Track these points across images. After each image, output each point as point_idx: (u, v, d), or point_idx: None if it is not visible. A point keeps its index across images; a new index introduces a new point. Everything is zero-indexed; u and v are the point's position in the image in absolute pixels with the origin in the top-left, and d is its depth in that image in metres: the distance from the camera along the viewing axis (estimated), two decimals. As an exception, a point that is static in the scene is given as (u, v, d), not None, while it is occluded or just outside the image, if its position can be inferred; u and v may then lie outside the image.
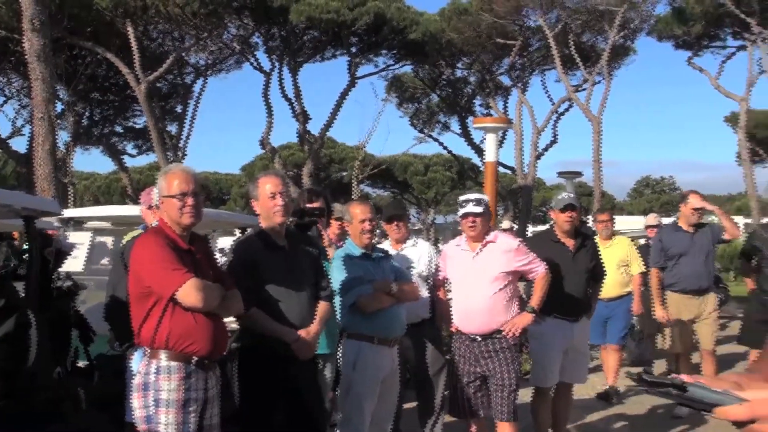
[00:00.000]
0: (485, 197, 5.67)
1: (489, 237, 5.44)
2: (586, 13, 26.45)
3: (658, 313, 7.68)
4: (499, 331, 5.36)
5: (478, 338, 5.39)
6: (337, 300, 4.98)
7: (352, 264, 5.06)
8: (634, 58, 29.89)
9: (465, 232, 5.48)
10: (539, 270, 5.50)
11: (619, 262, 8.16)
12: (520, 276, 5.59)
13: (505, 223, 14.96)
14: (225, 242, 9.58)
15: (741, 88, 25.68)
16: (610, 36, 25.42)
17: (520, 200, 28.67)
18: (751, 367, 1.65)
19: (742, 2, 23.82)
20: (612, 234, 8.37)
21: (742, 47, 26.45)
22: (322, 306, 4.41)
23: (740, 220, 26.56)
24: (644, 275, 8.28)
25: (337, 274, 5.01)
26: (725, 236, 7.45)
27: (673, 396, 1.39)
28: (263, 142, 25.95)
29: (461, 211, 5.41)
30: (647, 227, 9.75)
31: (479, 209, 5.37)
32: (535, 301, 5.51)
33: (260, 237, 4.36)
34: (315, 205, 5.30)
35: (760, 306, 7.38)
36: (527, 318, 5.46)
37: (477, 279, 5.38)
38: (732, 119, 32.20)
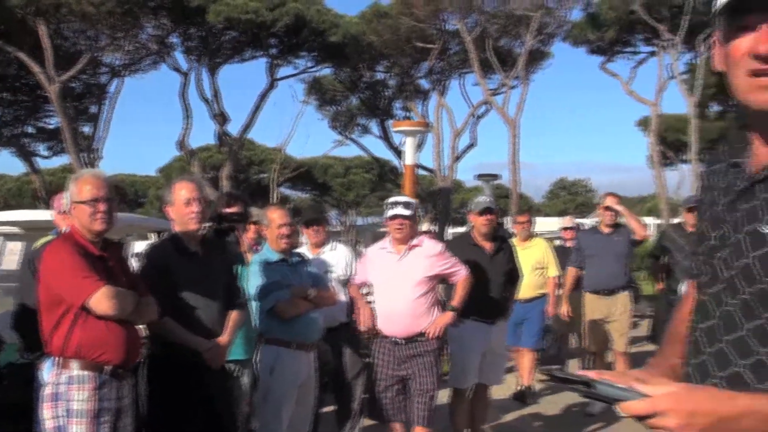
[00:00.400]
0: (414, 201, 5.72)
1: (414, 241, 5.48)
2: (504, 18, 26.87)
3: (562, 310, 7.92)
4: (422, 335, 5.40)
5: (402, 341, 5.41)
6: (255, 305, 4.95)
7: (270, 269, 5.03)
8: (551, 62, 30.53)
9: (392, 234, 5.49)
10: (462, 273, 5.57)
11: (536, 263, 8.26)
12: (441, 279, 5.66)
13: (424, 225, 15.06)
14: (140, 247, 9.38)
15: (652, 92, 26.46)
16: (527, 40, 25.89)
17: (439, 202, 28.92)
18: (651, 363, 1.71)
19: (653, 9, 24.57)
20: (530, 236, 8.48)
21: (653, 53, 27.27)
22: (234, 314, 4.37)
23: (651, 221, 27.41)
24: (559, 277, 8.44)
25: (254, 280, 4.98)
26: (635, 237, 7.65)
27: (582, 391, 1.43)
28: (181, 144, 25.55)
29: (390, 213, 5.42)
30: (563, 229, 9.88)
31: (408, 212, 5.40)
32: (456, 301, 5.57)
33: (173, 242, 4.29)
34: (233, 209, 5.25)
35: (668, 306, 7.61)
36: (449, 317, 5.52)
37: (401, 282, 5.40)
38: (643, 123, 33.14)
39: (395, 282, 5.43)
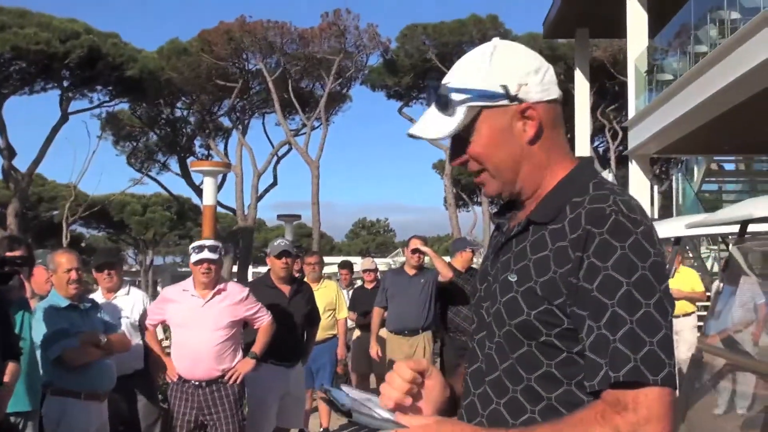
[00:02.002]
0: (220, 244, 5.64)
1: (220, 285, 5.41)
2: (305, 60, 27.32)
3: (372, 350, 7.98)
4: (223, 377, 5.33)
5: (203, 384, 5.32)
6: (39, 354, 4.69)
7: (57, 315, 4.79)
8: (350, 105, 31.32)
9: (197, 279, 5.37)
10: (265, 319, 5.56)
11: (327, 305, 8.23)
12: (244, 323, 5.61)
13: (225, 265, 14.79)
14: None
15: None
16: (327, 83, 26.42)
17: (240, 241, 28.67)
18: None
19: (446, 57, 25.84)
20: (320, 277, 8.49)
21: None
22: (11, 366, 4.10)
23: (447, 260, 28.53)
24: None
25: (39, 327, 4.72)
26: (440, 278, 7.79)
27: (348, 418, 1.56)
28: (-39, 179, 23.86)
29: (196, 257, 5.32)
30: (364, 271, 9.93)
31: (215, 256, 5.32)
32: (258, 348, 5.54)
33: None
34: (16, 253, 4.96)
35: (457, 349, 7.81)
36: (249, 364, 5.48)
37: (206, 326, 5.29)
38: (439, 166, 34.62)
39: (199, 325, 5.31)
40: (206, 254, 5.30)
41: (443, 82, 1.61)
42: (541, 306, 1.47)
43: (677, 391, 1.42)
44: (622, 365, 1.36)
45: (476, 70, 1.57)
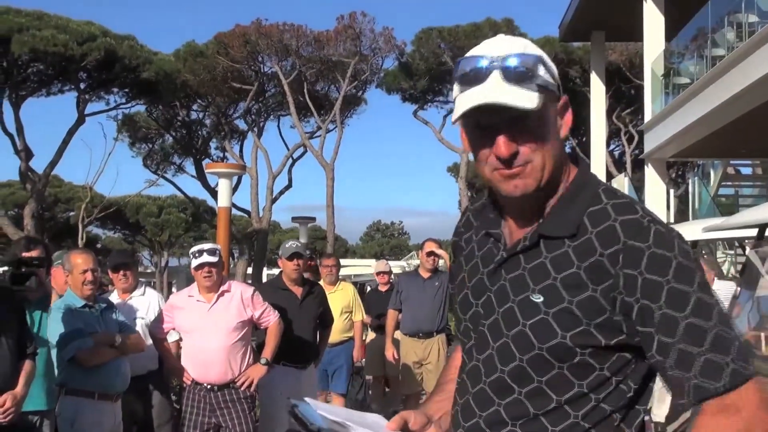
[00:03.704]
0: (218, 246, 5.65)
1: (224, 287, 5.42)
2: (320, 63, 27.34)
3: (387, 353, 7.96)
4: (235, 381, 5.34)
5: (215, 388, 5.33)
6: (55, 354, 4.72)
7: (72, 316, 4.81)
8: (365, 108, 31.29)
9: (200, 283, 5.39)
10: (272, 319, 5.55)
11: (343, 308, 8.22)
12: (252, 323, 5.61)
13: (240, 267, 14.80)
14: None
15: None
16: (342, 86, 26.43)
17: (255, 243, 28.71)
18: (421, 405, 1.82)
19: (461, 61, 25.75)
20: (336, 280, 8.49)
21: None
22: (27, 365, 4.11)
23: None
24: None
25: (54, 327, 4.74)
26: None
27: None
28: (-22, 180, 23.99)
29: (197, 262, 5.33)
30: (377, 273, 9.92)
31: (215, 258, 5.33)
32: (268, 353, 5.54)
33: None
34: (33, 254, 4.99)
35: None
36: (261, 370, 5.48)
37: (214, 329, 5.30)
38: (453, 169, 34.58)
39: (208, 330, 5.32)
40: (206, 258, 5.30)
41: (514, 52, 1.46)
42: (578, 327, 1.44)
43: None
44: (721, 373, 1.36)
45: (537, 57, 1.48)
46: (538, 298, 1.47)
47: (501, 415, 1.52)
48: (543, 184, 1.49)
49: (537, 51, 1.49)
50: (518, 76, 1.44)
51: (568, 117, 1.54)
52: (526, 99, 1.42)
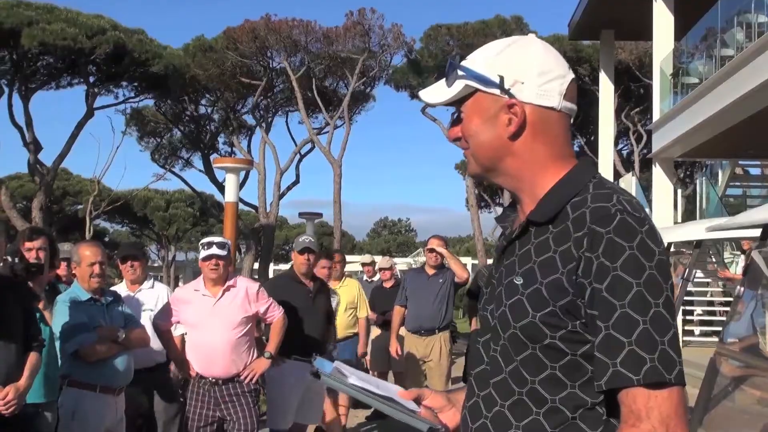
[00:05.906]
0: (228, 241, 5.68)
1: (230, 281, 5.44)
2: (329, 59, 27.36)
3: (391, 348, 7.99)
4: (239, 375, 5.37)
5: (220, 382, 5.36)
6: (59, 346, 4.74)
7: (77, 309, 4.81)
8: (374, 104, 31.30)
9: (206, 275, 5.42)
10: (277, 315, 5.58)
11: (348, 304, 8.28)
12: (257, 318, 5.64)
13: (246, 262, 14.84)
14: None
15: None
16: (351, 82, 26.45)
17: (262, 239, 28.76)
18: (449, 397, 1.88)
19: (470, 59, 25.76)
20: (342, 276, 8.54)
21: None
22: (32, 357, 4.12)
23: (469, 261, 28.47)
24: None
25: (59, 319, 4.75)
26: (456, 279, 7.83)
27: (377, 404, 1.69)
28: (-13, 172, 24.06)
29: (205, 253, 5.36)
30: (380, 269, 9.98)
31: (223, 252, 5.36)
32: (272, 347, 5.57)
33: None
34: (35, 243, 5.02)
35: None
36: (265, 364, 5.51)
37: (219, 324, 5.33)
38: (461, 167, 34.53)
39: (213, 325, 5.35)
40: (215, 250, 5.33)
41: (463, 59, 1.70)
42: (546, 308, 1.48)
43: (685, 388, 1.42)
44: (640, 367, 1.37)
45: (486, 55, 1.65)
46: (519, 281, 1.55)
47: (493, 395, 1.59)
48: (500, 177, 1.66)
49: (492, 51, 1.64)
50: (445, 75, 1.69)
51: (515, 118, 1.60)
52: (439, 94, 1.70)
